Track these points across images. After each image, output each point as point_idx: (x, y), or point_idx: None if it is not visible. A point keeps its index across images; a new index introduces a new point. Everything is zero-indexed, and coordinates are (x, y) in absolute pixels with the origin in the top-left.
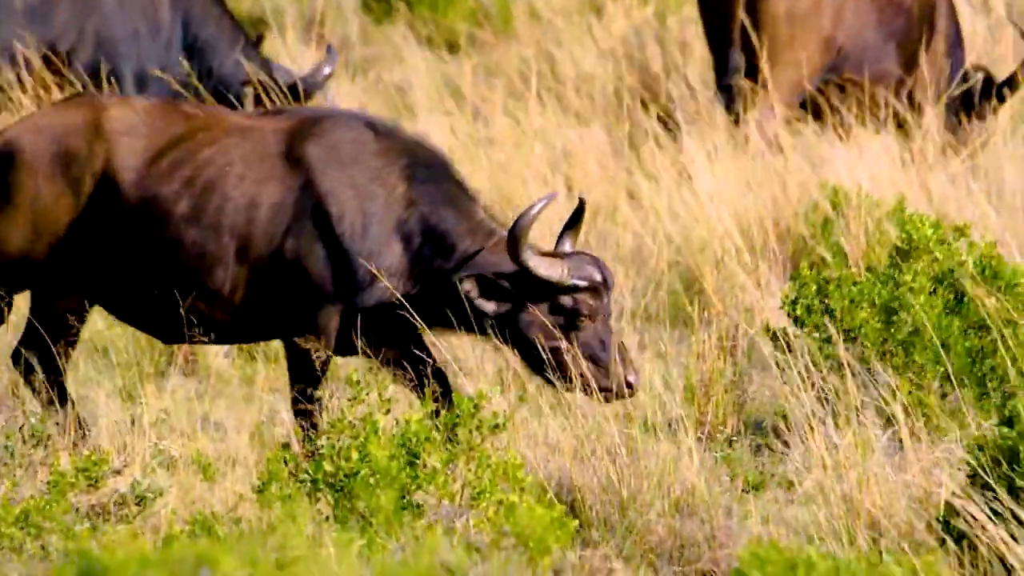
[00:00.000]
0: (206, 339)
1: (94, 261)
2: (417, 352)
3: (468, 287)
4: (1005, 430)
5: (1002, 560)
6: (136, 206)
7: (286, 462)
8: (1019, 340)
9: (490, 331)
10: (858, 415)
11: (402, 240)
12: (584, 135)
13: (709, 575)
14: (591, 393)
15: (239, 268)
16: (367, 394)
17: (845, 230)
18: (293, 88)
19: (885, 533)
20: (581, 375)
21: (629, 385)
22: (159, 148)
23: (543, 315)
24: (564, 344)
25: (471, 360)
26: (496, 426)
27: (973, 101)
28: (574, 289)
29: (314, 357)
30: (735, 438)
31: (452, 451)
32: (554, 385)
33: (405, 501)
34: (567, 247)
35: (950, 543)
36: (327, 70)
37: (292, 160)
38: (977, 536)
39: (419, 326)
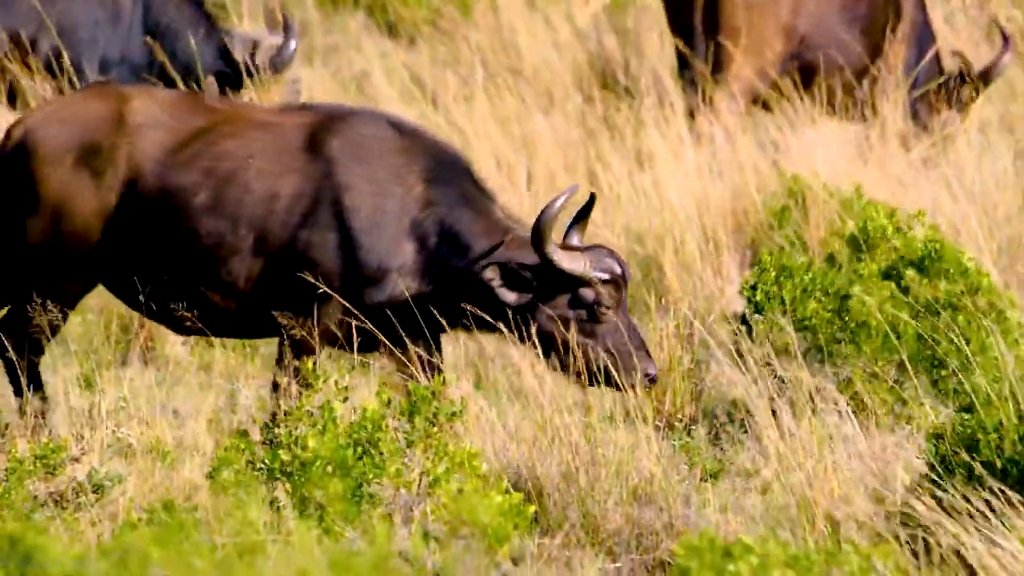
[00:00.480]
0: (219, 332)
1: (114, 251)
2: (416, 352)
3: (491, 275)
4: (964, 417)
5: (959, 550)
6: (157, 197)
7: (243, 450)
8: (967, 325)
9: (506, 325)
10: (814, 404)
11: (416, 240)
12: (544, 124)
13: (667, 563)
14: (613, 385)
15: (255, 260)
16: (324, 382)
17: (803, 219)
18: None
19: (843, 522)
20: (604, 368)
21: (649, 377)
22: (182, 140)
23: (563, 308)
24: (585, 337)
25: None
26: (453, 414)
27: (949, 89)
28: (595, 283)
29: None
30: (693, 426)
31: (408, 439)
32: (575, 378)
33: (362, 490)
34: (575, 240)
35: (907, 532)
36: (292, 45)
37: (313, 153)
38: (934, 525)
39: (420, 325)
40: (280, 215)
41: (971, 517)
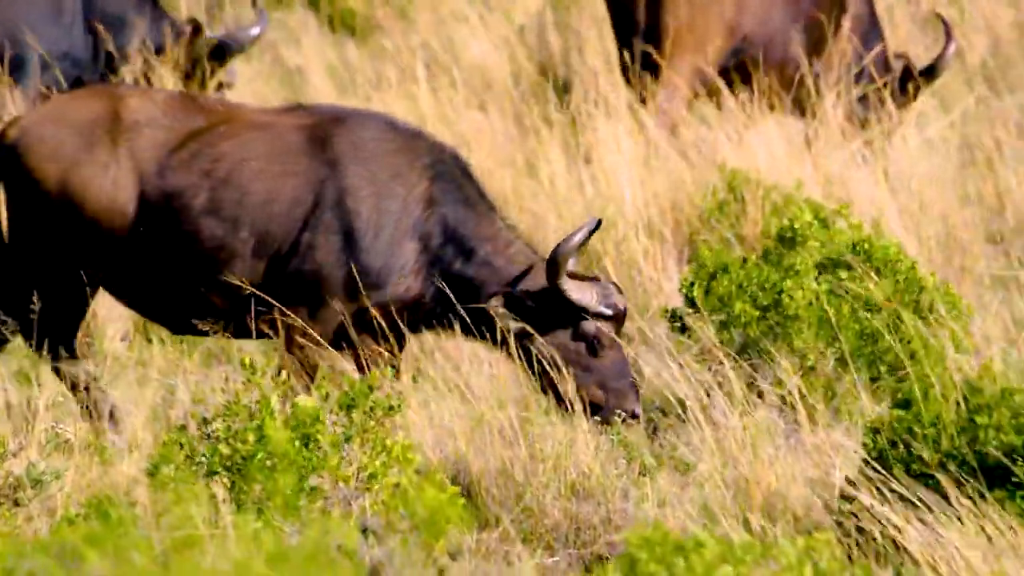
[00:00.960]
0: (219, 332)
1: (112, 251)
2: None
3: (496, 304)
4: (901, 412)
5: (896, 542)
6: (157, 198)
7: (181, 445)
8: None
9: (501, 343)
10: (749, 399)
11: (419, 240)
12: (483, 120)
13: (605, 558)
14: (598, 418)
15: (256, 262)
16: (262, 376)
17: (742, 214)
18: (217, 49)
19: (780, 516)
20: (592, 402)
21: (634, 415)
22: (179, 141)
23: (563, 338)
24: (579, 368)
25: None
26: (391, 408)
27: (894, 87)
28: (600, 316)
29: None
30: (629, 420)
31: (346, 433)
32: (561, 404)
33: (301, 484)
34: (570, 264)
35: (845, 526)
36: (256, 30)
37: (313, 156)
38: (871, 518)
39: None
40: (281, 218)
41: (908, 510)
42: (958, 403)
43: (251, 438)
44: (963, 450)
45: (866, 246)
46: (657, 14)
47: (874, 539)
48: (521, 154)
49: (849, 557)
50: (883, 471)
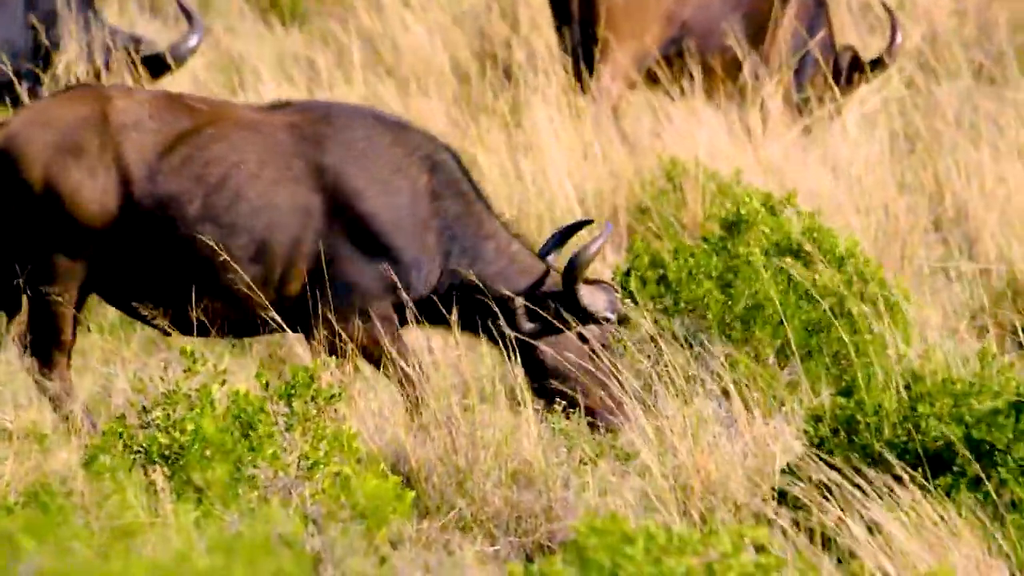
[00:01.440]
0: (216, 335)
1: (103, 254)
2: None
3: (518, 304)
4: (843, 400)
5: (836, 530)
6: (148, 202)
7: (120, 434)
8: (849, 312)
9: (500, 339)
10: (690, 388)
11: (433, 234)
12: (423, 106)
13: (546, 546)
14: (590, 423)
15: (257, 268)
16: (202, 365)
17: (681, 202)
18: (154, 59)
19: (720, 505)
20: (587, 404)
21: (619, 424)
22: (168, 143)
23: (568, 341)
24: (578, 370)
25: None
26: (332, 397)
27: (840, 77)
28: (606, 321)
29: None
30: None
31: (287, 422)
32: (551, 403)
33: (240, 473)
34: (551, 258)
35: (785, 513)
36: (194, 41)
37: (307, 159)
38: (811, 506)
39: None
40: (283, 226)
41: (849, 498)
42: (899, 392)
43: (190, 427)
44: (904, 439)
45: (815, 235)
46: (595, 2)
47: (813, 528)
48: (459, 141)
49: (795, 545)
50: (824, 459)
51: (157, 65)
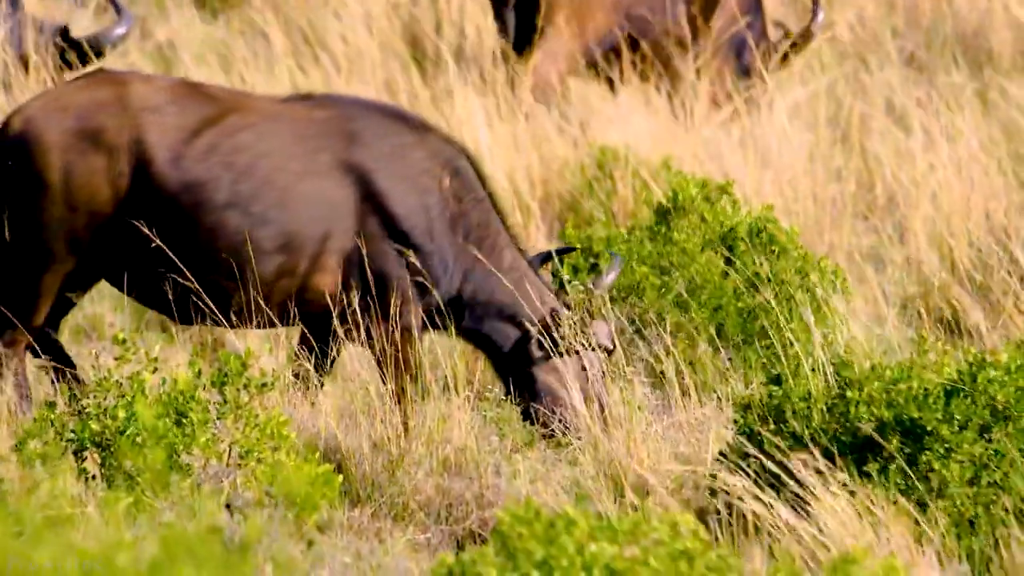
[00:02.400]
0: (238, 323)
1: (121, 240)
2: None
3: (535, 330)
4: (773, 388)
5: (765, 518)
6: (171, 187)
7: (51, 421)
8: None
9: (496, 357)
10: (623, 375)
11: (459, 234)
12: (352, 93)
13: (478, 534)
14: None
15: (282, 258)
16: (134, 353)
17: (612, 189)
18: (79, 46)
19: (652, 492)
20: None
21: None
22: (191, 129)
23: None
24: (577, 396)
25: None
26: (264, 385)
27: (771, 56)
28: (604, 349)
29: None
30: (504, 398)
31: (220, 410)
32: (546, 428)
33: (172, 460)
34: (536, 266)
35: (715, 502)
36: (120, 30)
37: (336, 156)
38: (741, 495)
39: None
40: (312, 220)
41: (779, 485)
42: (828, 379)
43: (121, 415)
44: (834, 425)
45: (759, 224)
46: None
47: (743, 515)
48: None
49: (733, 533)
50: (753, 447)
51: (83, 53)
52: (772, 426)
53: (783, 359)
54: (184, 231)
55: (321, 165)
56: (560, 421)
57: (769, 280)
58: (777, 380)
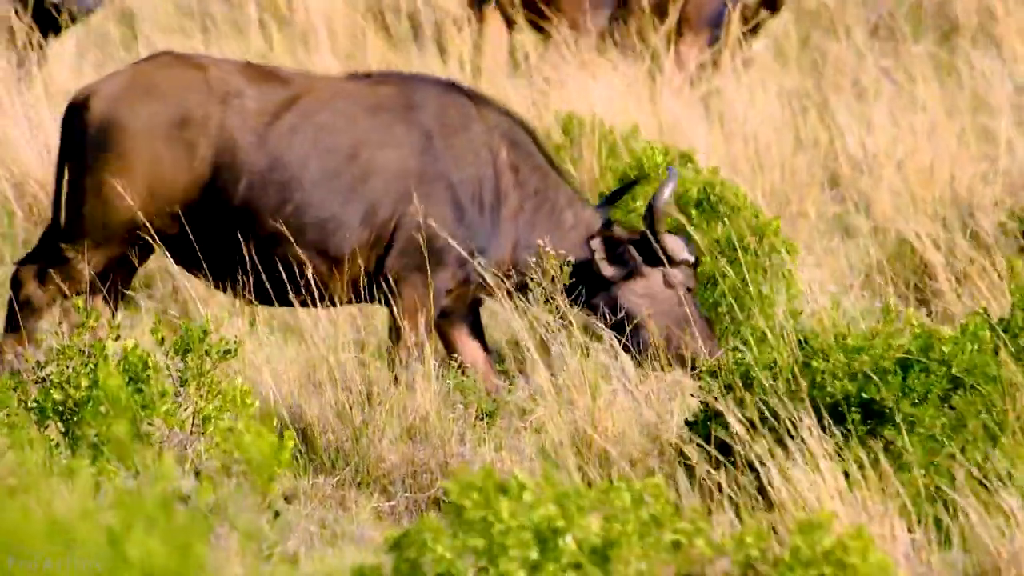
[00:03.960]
0: (304, 302)
1: (202, 221)
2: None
3: (595, 246)
4: (738, 355)
5: (731, 485)
6: (256, 172)
7: (15, 389)
8: (750, 265)
9: (581, 303)
10: (589, 343)
11: (514, 205)
12: (318, 61)
13: (442, 501)
14: (681, 365)
15: (363, 231)
16: (95, 321)
17: (578, 156)
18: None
19: (617, 460)
20: (676, 348)
21: (713, 355)
22: (271, 112)
23: (655, 287)
24: (665, 317)
25: (202, 285)
26: (227, 352)
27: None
28: (686, 264)
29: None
30: (469, 365)
31: (182, 377)
32: (639, 355)
33: (135, 429)
34: (604, 213)
35: (681, 469)
36: None
37: (408, 126)
38: (707, 462)
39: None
40: (388, 190)
41: (745, 451)
42: (794, 348)
43: (84, 383)
44: (799, 395)
45: (715, 189)
46: None
47: (709, 482)
48: None
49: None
50: (720, 414)
51: (54, 21)
52: (739, 393)
53: (749, 326)
54: (269, 212)
55: (397, 137)
56: (643, 343)
57: (729, 244)
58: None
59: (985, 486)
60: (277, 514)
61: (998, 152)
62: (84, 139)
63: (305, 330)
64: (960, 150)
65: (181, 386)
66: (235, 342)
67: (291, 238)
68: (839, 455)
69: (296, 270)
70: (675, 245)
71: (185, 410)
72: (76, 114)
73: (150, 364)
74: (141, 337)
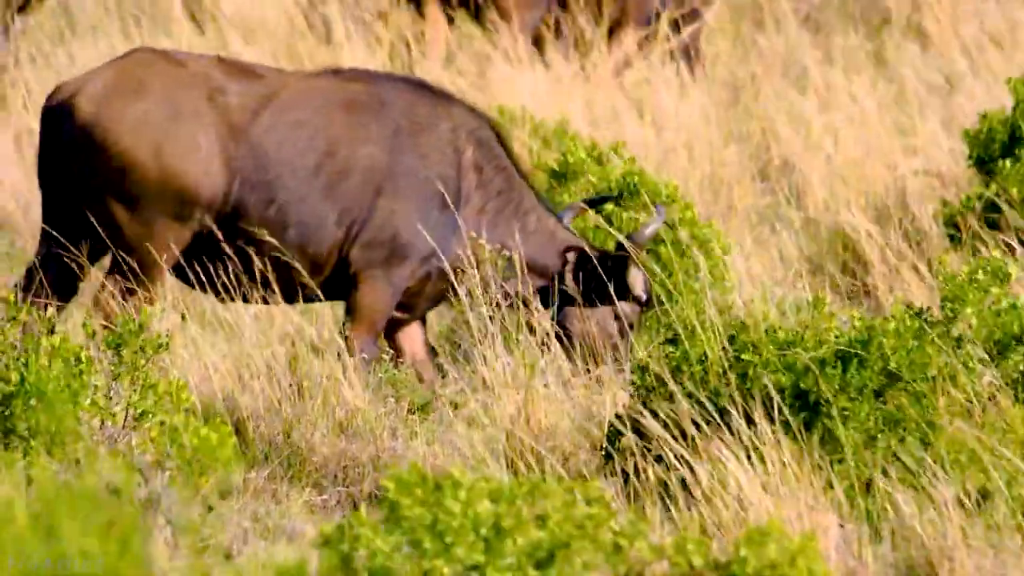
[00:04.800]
0: (290, 299)
1: (192, 228)
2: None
3: (571, 259)
4: (669, 349)
5: (662, 480)
6: (239, 169)
7: None
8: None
9: (536, 306)
10: (520, 337)
11: (476, 205)
12: (246, 56)
13: (374, 495)
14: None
15: (338, 230)
16: (28, 314)
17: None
18: None
19: (549, 454)
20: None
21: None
22: (252, 108)
23: (602, 316)
24: (603, 340)
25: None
26: (160, 346)
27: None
28: (637, 302)
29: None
30: (401, 359)
31: (115, 371)
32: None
33: (68, 423)
34: (566, 220)
35: (613, 464)
36: None
37: (379, 124)
38: (638, 457)
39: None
40: (360, 185)
41: (676, 448)
42: (724, 341)
43: (15, 377)
44: (731, 388)
45: (636, 180)
46: None
47: (640, 478)
48: None
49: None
50: (651, 408)
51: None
52: (670, 387)
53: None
54: (257, 210)
55: (370, 134)
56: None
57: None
58: (674, 341)
59: (917, 479)
60: (211, 508)
61: (927, 145)
62: (75, 141)
63: (236, 323)
64: (890, 142)
65: (114, 380)
66: (168, 336)
67: (280, 236)
68: (774, 447)
69: (279, 269)
70: (636, 280)
71: (117, 404)
72: (60, 116)
73: (82, 358)
74: (74, 332)
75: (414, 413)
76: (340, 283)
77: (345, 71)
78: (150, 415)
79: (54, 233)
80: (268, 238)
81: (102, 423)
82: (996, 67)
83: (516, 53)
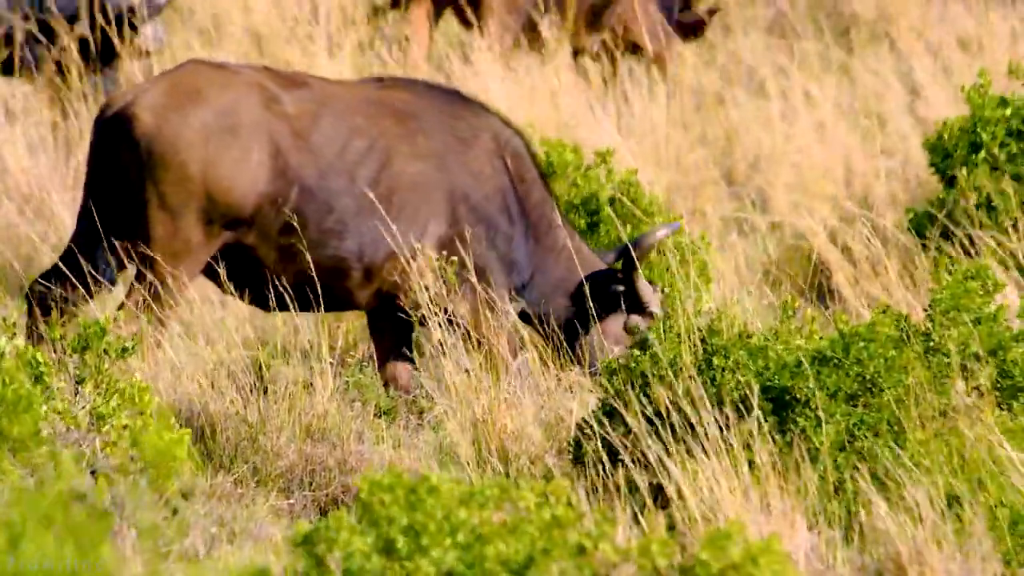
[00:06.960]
0: (330, 308)
1: (258, 231)
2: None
3: (597, 276)
4: (636, 354)
5: (631, 483)
6: (299, 179)
7: None
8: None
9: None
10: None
11: (514, 217)
12: (220, 58)
13: (341, 500)
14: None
15: (392, 244)
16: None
17: None
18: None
19: (515, 458)
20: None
21: None
22: (308, 116)
23: (615, 330)
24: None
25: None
26: (124, 350)
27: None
28: (649, 316)
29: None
30: (366, 363)
31: (79, 375)
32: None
33: (31, 427)
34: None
35: (580, 467)
36: None
37: (428, 137)
38: (605, 461)
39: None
40: (416, 201)
41: (644, 452)
42: (696, 345)
43: None
44: (701, 392)
45: (630, 190)
46: None
47: (607, 482)
48: None
49: (598, 500)
50: (620, 413)
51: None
52: (639, 391)
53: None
54: (316, 219)
55: (419, 148)
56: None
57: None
58: (642, 345)
59: (888, 481)
60: (175, 512)
61: (892, 149)
62: (132, 153)
63: (204, 327)
64: (855, 147)
65: (78, 384)
66: (133, 339)
67: (336, 245)
68: (744, 450)
69: (334, 277)
70: (649, 294)
71: (82, 408)
72: (115, 126)
73: (42, 360)
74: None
75: (380, 417)
76: (385, 295)
77: (385, 79)
78: (114, 419)
79: (80, 240)
80: (327, 245)
81: (67, 428)
82: (963, 72)
83: (488, 56)
